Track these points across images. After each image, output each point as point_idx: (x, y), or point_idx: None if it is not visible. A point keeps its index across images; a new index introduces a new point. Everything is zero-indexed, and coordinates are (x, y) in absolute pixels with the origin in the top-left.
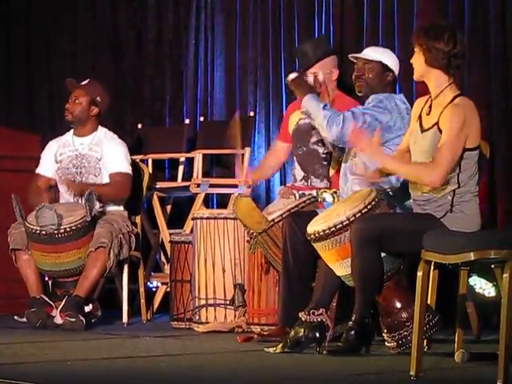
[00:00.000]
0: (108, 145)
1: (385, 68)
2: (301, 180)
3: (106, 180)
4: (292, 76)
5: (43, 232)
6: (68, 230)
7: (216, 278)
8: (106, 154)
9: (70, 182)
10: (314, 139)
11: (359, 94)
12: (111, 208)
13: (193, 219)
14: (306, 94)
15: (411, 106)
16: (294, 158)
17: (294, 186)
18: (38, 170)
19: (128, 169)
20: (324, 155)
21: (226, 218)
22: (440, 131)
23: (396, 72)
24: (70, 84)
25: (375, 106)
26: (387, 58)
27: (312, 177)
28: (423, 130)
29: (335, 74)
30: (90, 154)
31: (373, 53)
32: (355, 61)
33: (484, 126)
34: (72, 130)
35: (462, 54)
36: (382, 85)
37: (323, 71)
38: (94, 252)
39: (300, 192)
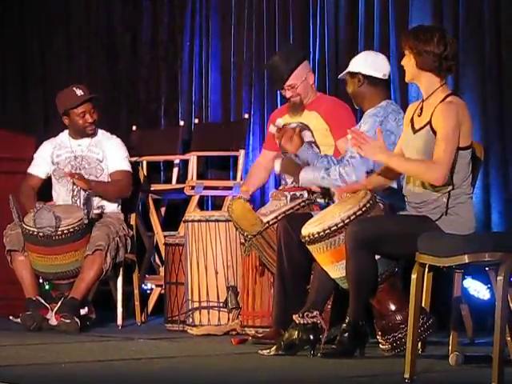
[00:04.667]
0: (108, 145)
1: (352, 75)
2: (292, 183)
3: (106, 179)
4: (277, 167)
5: (40, 234)
6: (65, 232)
7: (209, 281)
8: (107, 153)
9: (79, 178)
10: None
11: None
12: (108, 210)
13: (184, 222)
14: (298, 174)
15: (404, 110)
16: None
17: (285, 188)
18: (31, 170)
19: (128, 166)
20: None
21: (217, 221)
22: (432, 130)
23: (371, 72)
24: (76, 97)
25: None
26: (353, 63)
27: None
28: (415, 131)
29: (311, 78)
30: (89, 155)
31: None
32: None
33: (478, 128)
34: (67, 131)
35: (453, 55)
36: (362, 93)
37: (298, 80)
38: (91, 255)
39: (291, 193)
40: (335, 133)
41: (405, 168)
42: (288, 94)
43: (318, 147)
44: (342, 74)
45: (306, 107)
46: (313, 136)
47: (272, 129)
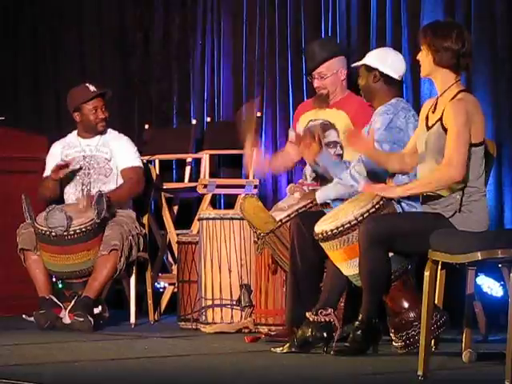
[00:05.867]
0: (115, 143)
1: (369, 69)
2: (312, 180)
3: (116, 178)
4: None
5: (53, 233)
6: (78, 231)
7: (222, 279)
8: (116, 151)
9: (88, 197)
10: (325, 141)
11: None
12: (121, 209)
13: (199, 220)
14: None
15: (419, 108)
16: None
17: (304, 183)
18: (47, 174)
19: (139, 162)
20: (335, 155)
21: (232, 219)
22: (442, 126)
23: (387, 70)
24: (89, 92)
25: (386, 130)
26: (372, 58)
27: None
28: (428, 128)
29: (343, 74)
30: (98, 154)
31: (366, 57)
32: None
33: (491, 125)
34: (76, 131)
35: (470, 52)
36: (375, 89)
37: (329, 71)
38: (106, 255)
39: (310, 188)
40: None
41: (423, 189)
42: (316, 83)
43: (343, 148)
44: (357, 63)
45: (333, 104)
46: (338, 136)
47: (291, 135)
